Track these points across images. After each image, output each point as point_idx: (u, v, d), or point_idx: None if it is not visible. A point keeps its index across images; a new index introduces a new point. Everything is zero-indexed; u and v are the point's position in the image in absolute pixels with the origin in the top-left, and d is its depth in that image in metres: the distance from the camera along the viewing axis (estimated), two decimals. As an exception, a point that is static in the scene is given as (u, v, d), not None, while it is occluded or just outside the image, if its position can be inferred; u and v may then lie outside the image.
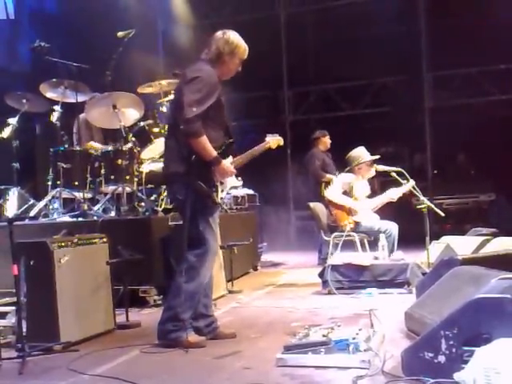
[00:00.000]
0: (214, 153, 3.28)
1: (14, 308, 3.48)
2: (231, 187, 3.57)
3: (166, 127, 4.02)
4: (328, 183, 7.03)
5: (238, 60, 3.45)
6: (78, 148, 5.63)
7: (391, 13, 9.99)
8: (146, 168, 5.91)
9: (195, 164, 3.24)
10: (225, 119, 3.47)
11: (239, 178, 3.66)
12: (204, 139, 3.22)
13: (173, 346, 3.21)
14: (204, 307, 3.44)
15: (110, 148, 5.62)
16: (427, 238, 5.00)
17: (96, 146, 5.86)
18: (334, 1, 11.09)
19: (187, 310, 3.28)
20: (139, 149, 5.90)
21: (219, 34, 3.44)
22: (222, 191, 3.43)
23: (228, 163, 3.40)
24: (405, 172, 5.38)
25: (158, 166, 5.95)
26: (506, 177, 9.67)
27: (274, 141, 3.80)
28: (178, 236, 3.49)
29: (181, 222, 4.76)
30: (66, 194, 5.44)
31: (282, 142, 3.88)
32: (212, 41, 3.42)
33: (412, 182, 5.41)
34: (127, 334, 3.73)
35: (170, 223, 4.86)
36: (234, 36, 3.44)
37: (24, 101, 5.67)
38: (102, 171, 5.51)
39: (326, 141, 7.49)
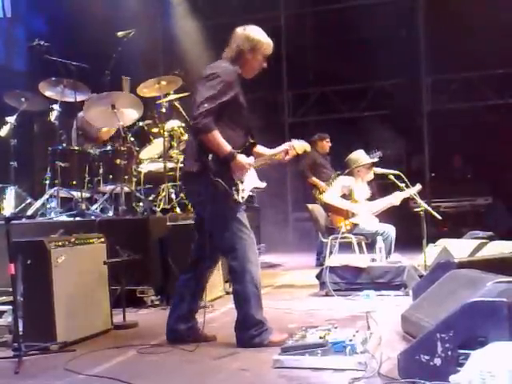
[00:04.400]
0: (229, 147, 3.11)
1: (10, 307, 3.47)
2: (254, 188, 3.41)
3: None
4: (315, 186, 7.08)
5: (261, 56, 3.29)
6: (76, 147, 5.63)
7: (390, 16, 10.01)
8: (144, 168, 5.93)
9: (213, 163, 3.08)
10: (245, 120, 3.31)
11: (264, 181, 3.51)
12: (215, 134, 3.07)
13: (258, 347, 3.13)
14: (189, 311, 3.38)
15: (108, 148, 5.63)
16: (424, 241, 5.01)
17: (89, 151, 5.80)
18: (334, 3, 11.09)
19: (259, 309, 3.22)
20: (138, 149, 5.91)
21: (239, 29, 3.28)
22: (243, 190, 3.24)
23: (245, 157, 3.21)
24: (402, 175, 5.39)
25: (157, 166, 5.98)
26: (502, 180, 9.70)
27: (299, 146, 3.57)
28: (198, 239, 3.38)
29: (180, 223, 4.86)
30: (63, 194, 5.43)
31: (308, 148, 3.71)
32: (232, 38, 3.28)
33: (418, 187, 5.41)
34: (124, 334, 3.72)
35: (167, 223, 4.86)
36: (254, 31, 3.27)
37: (23, 99, 5.64)
38: (100, 171, 5.52)
39: (324, 144, 7.49)
